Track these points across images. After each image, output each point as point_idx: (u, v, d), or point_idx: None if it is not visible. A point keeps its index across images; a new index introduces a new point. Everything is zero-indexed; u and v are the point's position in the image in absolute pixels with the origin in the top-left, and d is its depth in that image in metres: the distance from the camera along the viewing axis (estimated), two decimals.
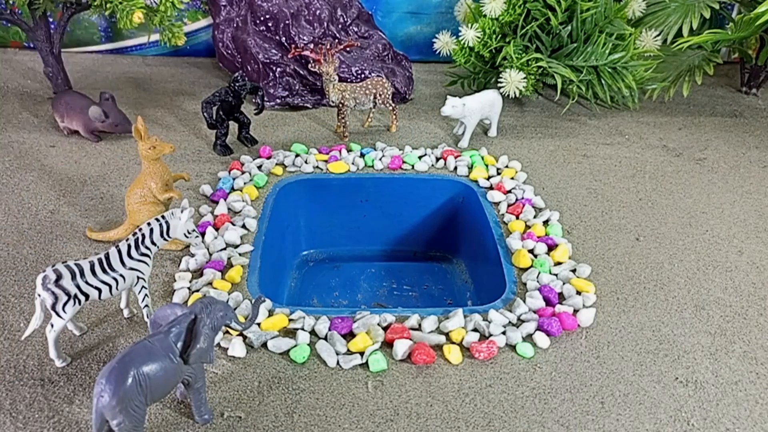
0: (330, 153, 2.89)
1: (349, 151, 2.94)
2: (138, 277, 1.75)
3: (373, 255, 2.97)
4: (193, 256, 2.15)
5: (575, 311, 1.95)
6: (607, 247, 2.34)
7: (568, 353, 1.82)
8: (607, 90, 3.30)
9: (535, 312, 1.95)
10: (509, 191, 2.64)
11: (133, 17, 2.64)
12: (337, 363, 1.74)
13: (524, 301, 1.99)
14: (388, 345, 1.81)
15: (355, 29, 3.73)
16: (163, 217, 1.78)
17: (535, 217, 2.46)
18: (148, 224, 1.75)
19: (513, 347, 1.82)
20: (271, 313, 1.91)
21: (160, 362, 1.37)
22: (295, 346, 1.78)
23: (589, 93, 3.35)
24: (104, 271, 1.67)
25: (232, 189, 2.59)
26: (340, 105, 3.00)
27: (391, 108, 3.11)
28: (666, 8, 3.55)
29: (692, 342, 1.89)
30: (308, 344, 1.79)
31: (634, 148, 3.14)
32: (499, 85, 3.16)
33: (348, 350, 1.79)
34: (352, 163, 2.82)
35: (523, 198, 2.57)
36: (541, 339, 1.84)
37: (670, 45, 3.46)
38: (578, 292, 2.05)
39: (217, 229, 2.30)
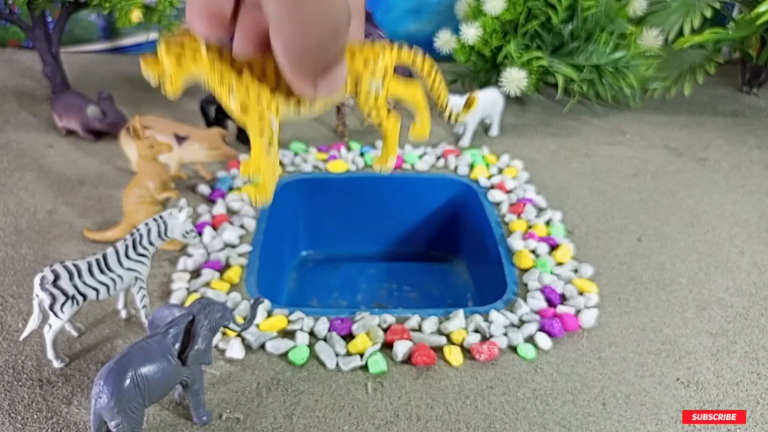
0: (329, 152, 2.87)
1: (349, 150, 2.92)
2: (136, 278, 1.74)
3: (373, 255, 2.95)
4: (190, 256, 2.13)
5: (577, 312, 1.94)
6: (609, 247, 2.32)
7: (570, 354, 1.81)
8: (609, 89, 3.29)
9: (536, 313, 1.94)
10: (510, 191, 2.63)
11: (132, 16, 2.63)
12: (337, 365, 1.73)
13: (525, 302, 1.98)
14: (388, 346, 1.80)
15: None
16: (161, 217, 1.77)
17: (536, 216, 2.44)
18: (146, 224, 1.74)
19: (514, 348, 1.81)
20: (269, 314, 1.89)
21: (158, 363, 1.36)
22: (294, 347, 1.77)
23: (591, 92, 3.34)
24: (102, 271, 1.66)
25: (231, 188, 2.57)
26: (340, 104, 2.98)
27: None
28: (667, 7, 3.54)
29: (694, 343, 1.88)
30: (307, 345, 1.77)
31: (635, 147, 3.13)
32: (500, 83, 3.15)
33: (347, 352, 1.77)
34: (352, 162, 2.80)
35: (524, 197, 2.56)
36: (543, 340, 1.83)
37: (671, 44, 3.45)
38: (580, 293, 2.03)
39: (215, 229, 2.29)
